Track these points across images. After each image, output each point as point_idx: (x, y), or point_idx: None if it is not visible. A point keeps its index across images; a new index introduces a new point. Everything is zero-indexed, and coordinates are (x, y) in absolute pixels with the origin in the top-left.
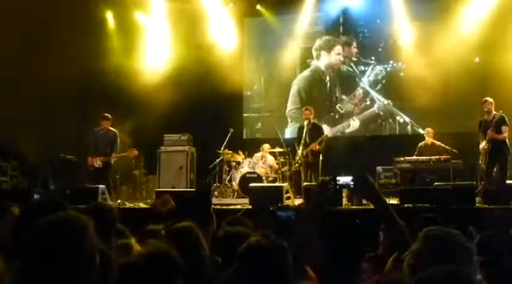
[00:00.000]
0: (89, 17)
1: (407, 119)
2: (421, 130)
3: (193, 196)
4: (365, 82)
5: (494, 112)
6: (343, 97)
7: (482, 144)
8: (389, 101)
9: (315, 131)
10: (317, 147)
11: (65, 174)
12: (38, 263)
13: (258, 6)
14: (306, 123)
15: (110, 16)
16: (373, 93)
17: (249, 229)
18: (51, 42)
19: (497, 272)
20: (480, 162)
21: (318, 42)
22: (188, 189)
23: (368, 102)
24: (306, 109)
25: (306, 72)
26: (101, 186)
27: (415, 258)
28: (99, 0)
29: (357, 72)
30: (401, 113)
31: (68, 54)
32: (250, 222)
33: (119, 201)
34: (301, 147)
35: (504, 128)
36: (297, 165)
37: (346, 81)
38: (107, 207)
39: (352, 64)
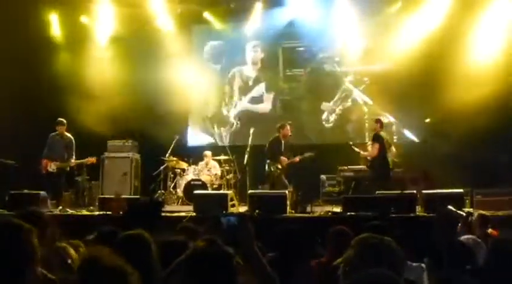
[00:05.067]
0: (32, 18)
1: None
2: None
3: (147, 204)
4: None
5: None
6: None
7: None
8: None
9: (290, 146)
10: (297, 159)
11: (3, 179)
12: None
13: (205, 14)
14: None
15: (54, 19)
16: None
17: (197, 236)
18: None
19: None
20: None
21: None
22: (138, 196)
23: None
24: (289, 125)
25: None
26: (41, 192)
27: (348, 264)
28: (43, 2)
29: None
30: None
31: (9, 53)
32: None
33: (60, 207)
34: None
35: None
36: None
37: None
38: (37, 213)
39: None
